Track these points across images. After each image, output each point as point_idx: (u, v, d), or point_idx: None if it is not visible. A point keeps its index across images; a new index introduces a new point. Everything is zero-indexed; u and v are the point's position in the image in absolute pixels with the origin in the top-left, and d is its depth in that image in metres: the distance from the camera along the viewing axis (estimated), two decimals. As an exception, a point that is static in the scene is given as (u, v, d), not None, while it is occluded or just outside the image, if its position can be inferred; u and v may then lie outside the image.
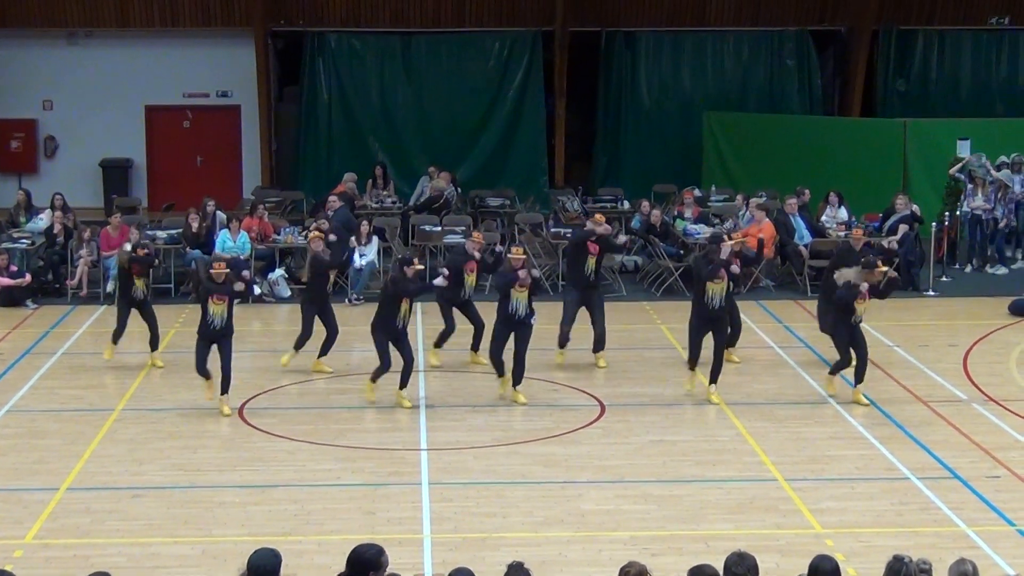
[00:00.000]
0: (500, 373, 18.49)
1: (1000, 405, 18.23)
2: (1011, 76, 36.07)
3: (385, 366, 17.94)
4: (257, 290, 23.36)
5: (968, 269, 27.72)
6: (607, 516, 14.18)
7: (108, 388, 19.23)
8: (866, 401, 18.16)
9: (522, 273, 17.91)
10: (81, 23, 34.29)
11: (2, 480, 15.40)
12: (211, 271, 18.09)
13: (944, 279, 26.55)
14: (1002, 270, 27.56)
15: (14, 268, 24.93)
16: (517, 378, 18.23)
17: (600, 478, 15.41)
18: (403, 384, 17.94)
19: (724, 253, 18.22)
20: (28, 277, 24.85)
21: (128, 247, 20.34)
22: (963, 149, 28.86)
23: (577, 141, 35.72)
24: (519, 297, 17.88)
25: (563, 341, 20.17)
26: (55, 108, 35.00)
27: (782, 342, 21.78)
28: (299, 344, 19.69)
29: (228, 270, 18.00)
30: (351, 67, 34.98)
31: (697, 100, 35.64)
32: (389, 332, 17.85)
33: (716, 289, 18.04)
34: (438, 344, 20.27)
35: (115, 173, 34.53)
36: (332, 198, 27.08)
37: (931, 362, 20.55)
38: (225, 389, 17.81)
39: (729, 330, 20.05)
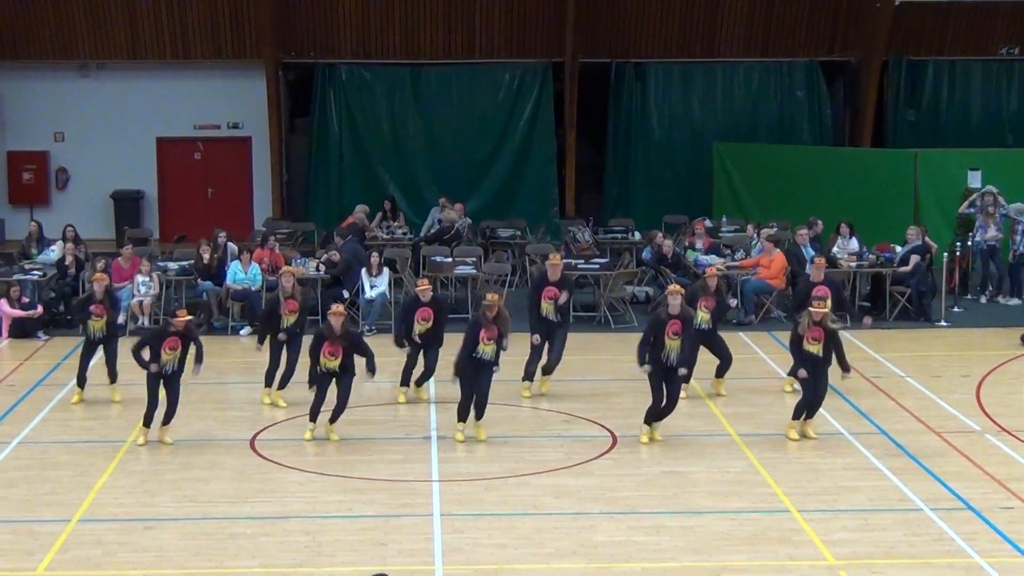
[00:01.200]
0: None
1: (1013, 436, 18.17)
2: (1021, 106, 36.16)
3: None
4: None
5: (982, 299, 27.66)
6: (619, 548, 14.14)
7: (119, 420, 19.21)
8: (796, 436, 18.04)
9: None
10: (93, 55, 34.45)
11: (14, 511, 15.39)
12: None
13: (956, 310, 26.50)
14: (1014, 301, 27.48)
15: (26, 300, 24.96)
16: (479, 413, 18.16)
17: (612, 509, 15.37)
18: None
19: (673, 307, 17.98)
20: (40, 309, 24.88)
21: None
22: (974, 179, 28.86)
23: (587, 172, 35.78)
24: (484, 349, 17.80)
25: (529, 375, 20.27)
26: (67, 140, 35.15)
27: (794, 373, 21.73)
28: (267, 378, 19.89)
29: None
30: (362, 99, 35.09)
31: (707, 131, 35.73)
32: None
33: (673, 345, 17.87)
34: (420, 382, 20.26)
35: (126, 205, 34.63)
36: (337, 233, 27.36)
37: (944, 393, 20.50)
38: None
39: (719, 361, 20.17)
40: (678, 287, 18.43)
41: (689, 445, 17.91)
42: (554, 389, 20.12)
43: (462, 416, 18.02)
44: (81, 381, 20.03)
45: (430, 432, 18.49)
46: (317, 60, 34.91)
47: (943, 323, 25.64)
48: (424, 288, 19.86)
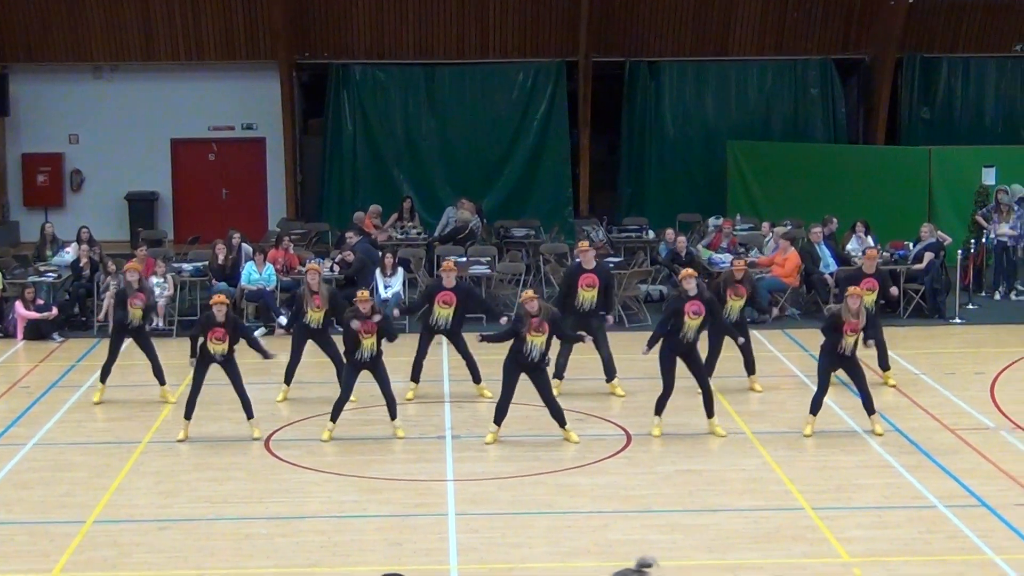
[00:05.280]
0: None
1: (1028, 433, 18.18)
2: (1035, 103, 36.07)
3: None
4: (283, 321, 23.42)
5: (996, 296, 27.62)
6: (634, 546, 14.12)
7: (134, 421, 19.25)
8: (810, 432, 18.06)
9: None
10: (107, 57, 34.51)
11: (29, 513, 15.43)
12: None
13: (970, 307, 26.48)
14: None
15: (40, 301, 25.02)
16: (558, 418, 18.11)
17: (626, 508, 15.38)
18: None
19: (690, 288, 18.05)
20: (54, 310, 24.93)
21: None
22: (988, 176, 28.81)
23: (601, 171, 35.78)
24: (534, 340, 17.64)
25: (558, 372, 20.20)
26: (81, 142, 35.22)
27: (808, 370, 21.66)
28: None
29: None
30: (375, 99, 35.11)
31: (721, 129, 35.70)
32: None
33: (692, 324, 17.96)
34: (477, 380, 20.27)
35: (141, 206, 34.69)
36: (349, 233, 27.33)
37: (958, 390, 20.48)
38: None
39: (743, 358, 20.22)
40: (690, 270, 18.45)
41: (703, 443, 17.92)
42: (568, 388, 20.12)
43: (499, 418, 17.91)
44: (106, 375, 20.03)
45: (445, 431, 18.51)
46: (331, 61, 34.94)
47: (957, 320, 25.61)
48: (449, 270, 19.77)
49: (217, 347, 17.95)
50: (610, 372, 20.29)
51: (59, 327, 24.96)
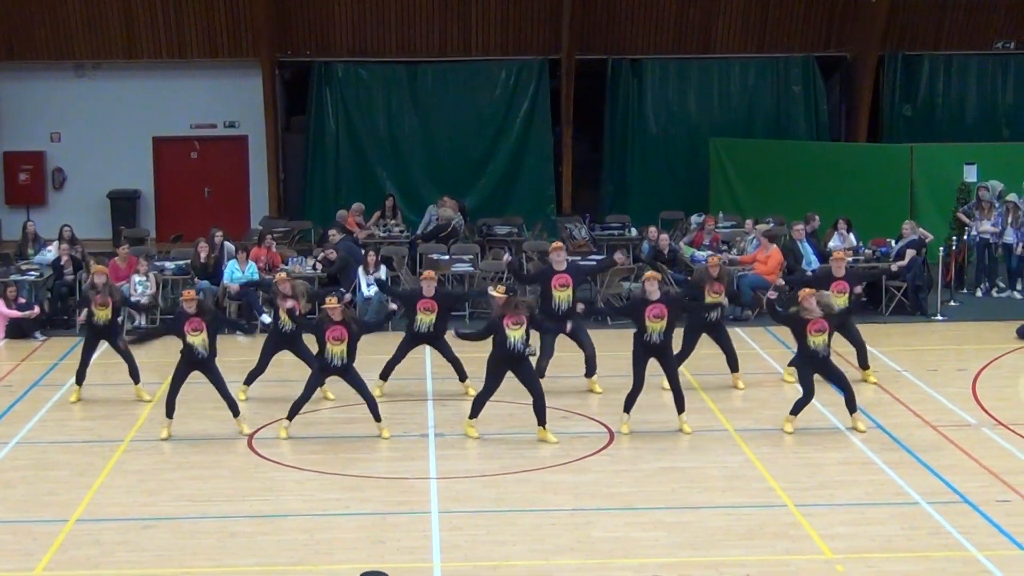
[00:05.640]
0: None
1: (1009, 429, 18.20)
2: (1017, 100, 36.13)
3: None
4: (266, 319, 23.41)
5: (978, 293, 27.68)
6: (617, 543, 14.16)
7: (117, 419, 19.23)
8: (791, 430, 18.14)
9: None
10: (89, 55, 34.44)
11: (12, 512, 15.41)
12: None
13: (952, 304, 26.54)
14: (1015, 295, 27.48)
15: (22, 300, 24.98)
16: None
17: (609, 505, 15.39)
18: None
19: (651, 291, 18.11)
20: (36, 309, 24.89)
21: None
22: (970, 174, 28.86)
23: (584, 168, 35.79)
24: (513, 333, 17.68)
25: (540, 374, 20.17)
26: (63, 140, 35.15)
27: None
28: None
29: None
30: (358, 97, 35.09)
31: (703, 127, 35.72)
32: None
33: (654, 327, 17.99)
34: (462, 378, 20.30)
35: (123, 204, 34.63)
36: (332, 231, 27.32)
37: (940, 387, 20.53)
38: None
39: (725, 356, 20.26)
40: (653, 273, 18.49)
41: (686, 440, 17.93)
42: (551, 386, 20.06)
43: (475, 412, 18.00)
44: (80, 378, 20.03)
45: (428, 429, 18.52)
46: (313, 58, 34.91)
47: (939, 317, 25.67)
48: (428, 278, 19.85)
49: (195, 339, 17.92)
50: (591, 368, 20.29)
51: (41, 326, 24.92)
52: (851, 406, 18.11)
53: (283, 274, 19.85)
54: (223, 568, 13.62)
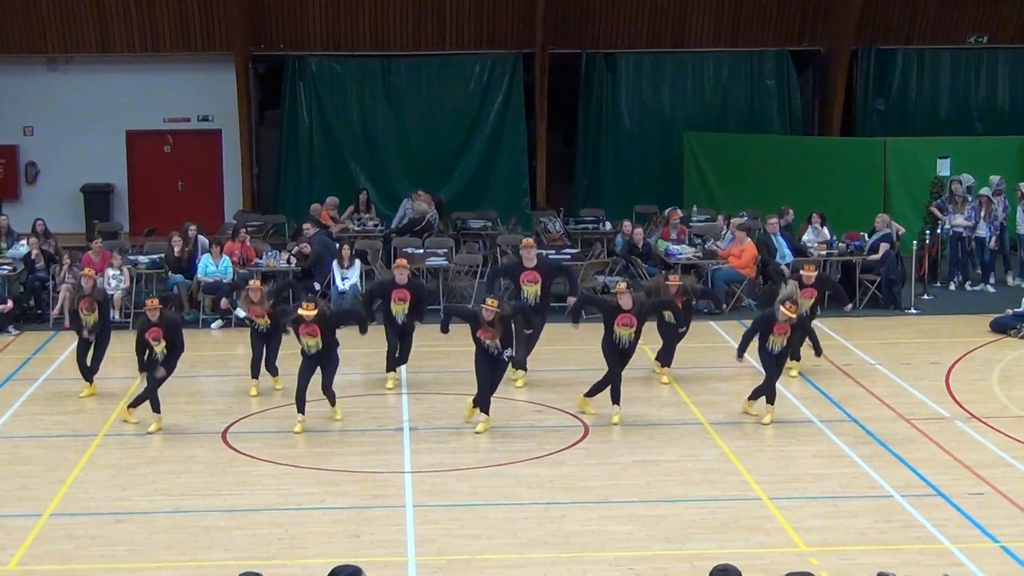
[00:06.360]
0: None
1: (982, 422, 18.27)
2: (990, 95, 36.21)
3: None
4: (241, 314, 23.36)
5: (952, 287, 27.75)
6: (591, 537, 14.17)
7: (91, 414, 19.18)
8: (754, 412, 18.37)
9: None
10: (61, 49, 34.29)
11: (-15, 507, 15.37)
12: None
13: (926, 297, 26.61)
14: (988, 288, 27.54)
15: (-5, 294, 24.89)
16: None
17: (584, 499, 15.40)
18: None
19: (624, 303, 18.21)
20: (9, 303, 24.78)
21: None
22: (943, 167, 28.92)
23: (558, 162, 35.76)
24: (487, 341, 17.80)
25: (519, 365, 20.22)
26: (36, 134, 34.98)
27: (765, 361, 21.79)
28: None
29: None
30: (332, 90, 35.00)
31: (677, 121, 35.71)
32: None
33: (623, 334, 18.22)
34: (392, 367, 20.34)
35: (96, 198, 34.48)
36: (306, 225, 27.29)
37: (914, 380, 20.59)
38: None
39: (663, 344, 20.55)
40: (623, 287, 18.56)
41: (660, 434, 17.96)
42: (526, 378, 20.14)
43: (485, 408, 17.98)
44: (87, 375, 20.01)
45: (403, 424, 18.51)
46: (287, 52, 34.81)
47: (912, 311, 25.74)
48: (401, 267, 19.82)
49: (157, 347, 18.06)
50: (521, 364, 20.18)
51: (14, 320, 24.82)
52: (763, 395, 18.30)
53: (258, 282, 19.70)
54: (197, 562, 13.60)
